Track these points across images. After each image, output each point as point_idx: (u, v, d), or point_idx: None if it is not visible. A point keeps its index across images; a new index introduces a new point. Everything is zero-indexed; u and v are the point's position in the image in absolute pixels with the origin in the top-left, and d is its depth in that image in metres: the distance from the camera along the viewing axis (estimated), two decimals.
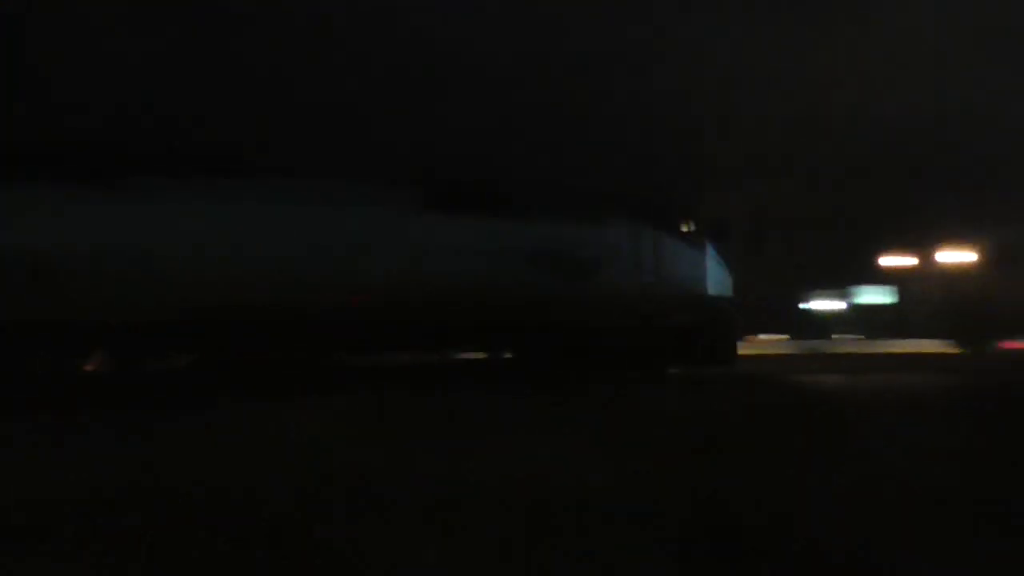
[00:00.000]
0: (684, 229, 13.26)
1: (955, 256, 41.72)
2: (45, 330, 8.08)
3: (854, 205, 39.59)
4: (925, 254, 42.39)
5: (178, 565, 2.22)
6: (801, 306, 45.51)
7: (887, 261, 43.27)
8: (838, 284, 40.51)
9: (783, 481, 3.69)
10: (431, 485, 3.49)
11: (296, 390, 8.60)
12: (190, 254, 8.41)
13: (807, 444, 4.86)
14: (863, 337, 38.83)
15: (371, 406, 6.96)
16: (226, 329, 8.77)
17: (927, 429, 5.57)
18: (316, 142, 9.97)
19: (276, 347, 9.61)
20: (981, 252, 40.70)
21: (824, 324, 43.80)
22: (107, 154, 8.69)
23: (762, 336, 38.12)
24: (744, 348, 13.50)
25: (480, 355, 12.13)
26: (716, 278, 13.52)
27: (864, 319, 42.37)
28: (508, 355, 11.95)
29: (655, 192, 13.13)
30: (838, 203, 38.13)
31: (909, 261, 42.98)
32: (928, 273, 41.73)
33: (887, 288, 42.89)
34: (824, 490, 3.51)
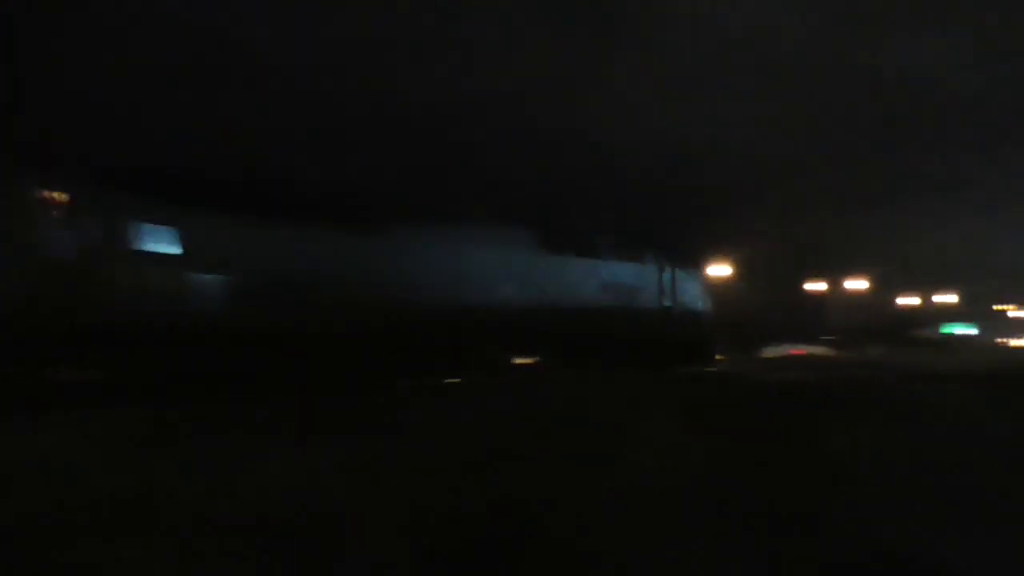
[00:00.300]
0: (687, 266, 17.89)
1: (714, 270, 44.46)
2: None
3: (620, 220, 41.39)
4: None
5: None
6: None
7: None
8: None
9: (539, 487, 3.90)
10: (175, 505, 3.51)
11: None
12: (419, 284, 11.66)
13: (568, 449, 5.11)
14: None
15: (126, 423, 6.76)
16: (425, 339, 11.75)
17: (679, 430, 6.02)
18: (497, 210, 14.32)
19: (456, 351, 12.66)
20: (736, 266, 43.77)
21: None
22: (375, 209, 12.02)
23: None
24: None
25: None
26: (704, 303, 18.34)
27: None
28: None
29: (671, 240, 18.06)
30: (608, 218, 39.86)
31: None
32: None
33: None
34: (583, 491, 3.73)
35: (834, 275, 46.72)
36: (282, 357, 10.49)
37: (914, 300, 56.21)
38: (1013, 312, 70.11)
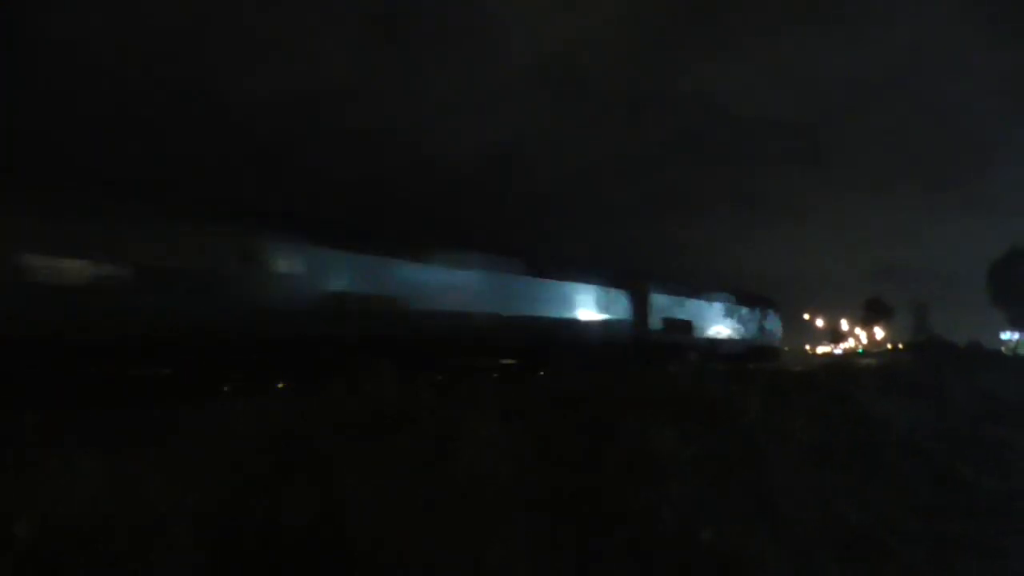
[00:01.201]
0: (770, 308, 34.06)
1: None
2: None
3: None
4: None
5: None
6: None
7: None
8: None
9: (353, 490, 3.73)
10: None
11: None
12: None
13: (386, 450, 4.90)
14: None
15: None
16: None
17: (499, 431, 5.98)
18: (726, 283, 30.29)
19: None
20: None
21: None
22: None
23: None
24: None
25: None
26: (778, 332, 35.28)
27: None
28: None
29: (763, 294, 34.25)
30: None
31: None
32: None
33: None
34: (396, 493, 3.62)
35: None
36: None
37: None
38: (820, 321, 75.90)
